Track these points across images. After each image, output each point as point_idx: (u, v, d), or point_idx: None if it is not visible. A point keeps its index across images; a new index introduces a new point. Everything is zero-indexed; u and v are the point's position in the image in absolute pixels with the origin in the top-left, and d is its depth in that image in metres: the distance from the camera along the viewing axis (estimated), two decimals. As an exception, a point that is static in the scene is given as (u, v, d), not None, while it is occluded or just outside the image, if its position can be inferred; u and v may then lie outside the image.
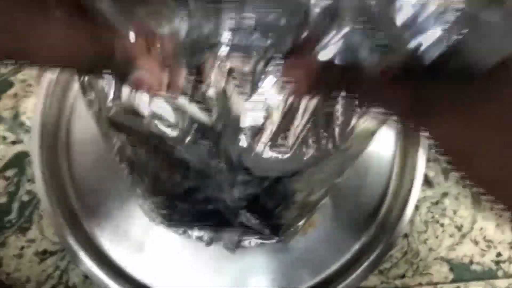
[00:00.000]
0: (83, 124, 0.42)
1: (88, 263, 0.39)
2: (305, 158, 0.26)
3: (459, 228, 0.43)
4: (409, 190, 0.40)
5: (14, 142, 0.44)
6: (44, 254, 0.41)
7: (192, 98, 0.25)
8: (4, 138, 0.44)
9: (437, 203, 0.44)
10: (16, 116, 0.44)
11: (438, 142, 0.15)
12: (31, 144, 0.40)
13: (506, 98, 0.12)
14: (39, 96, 0.41)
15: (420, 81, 0.14)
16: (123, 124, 0.28)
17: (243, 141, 0.26)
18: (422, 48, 0.14)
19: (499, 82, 0.13)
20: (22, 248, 0.41)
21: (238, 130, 0.26)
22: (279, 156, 0.26)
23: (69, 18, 0.17)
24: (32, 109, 0.43)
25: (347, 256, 0.41)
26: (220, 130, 0.26)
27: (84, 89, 0.28)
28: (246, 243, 0.38)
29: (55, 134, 0.42)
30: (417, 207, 0.43)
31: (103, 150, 0.38)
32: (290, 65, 0.18)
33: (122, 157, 0.31)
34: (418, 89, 0.14)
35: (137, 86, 0.22)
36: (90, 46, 0.18)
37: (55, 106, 0.42)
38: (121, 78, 0.22)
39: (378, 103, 0.16)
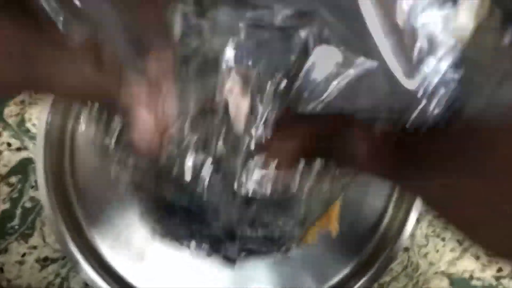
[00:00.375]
0: (88, 132, 0.43)
1: (89, 271, 0.39)
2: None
3: (460, 242, 0.43)
4: (411, 204, 0.40)
5: (19, 149, 0.44)
6: (45, 261, 0.42)
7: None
8: (9, 144, 0.44)
9: (438, 217, 0.44)
10: (21, 122, 0.45)
11: (417, 194, 0.17)
12: (36, 151, 0.41)
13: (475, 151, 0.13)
14: (45, 103, 0.41)
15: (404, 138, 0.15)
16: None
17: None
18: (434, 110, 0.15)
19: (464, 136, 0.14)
20: (24, 254, 0.42)
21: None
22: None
23: (92, 58, 0.18)
24: (37, 116, 0.43)
25: (348, 268, 0.41)
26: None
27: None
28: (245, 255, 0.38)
29: (59, 142, 0.42)
30: (418, 221, 0.43)
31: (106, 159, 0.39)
32: (272, 147, 0.19)
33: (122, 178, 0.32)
34: (401, 146, 0.15)
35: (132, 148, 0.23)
36: (101, 86, 0.19)
37: (61, 113, 0.42)
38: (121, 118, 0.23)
39: (361, 167, 0.18)
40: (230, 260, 0.36)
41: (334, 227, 0.40)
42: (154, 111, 0.21)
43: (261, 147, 0.25)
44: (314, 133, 0.18)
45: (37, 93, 0.19)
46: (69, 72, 0.18)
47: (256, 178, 0.26)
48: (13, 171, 0.43)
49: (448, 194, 0.14)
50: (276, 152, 0.20)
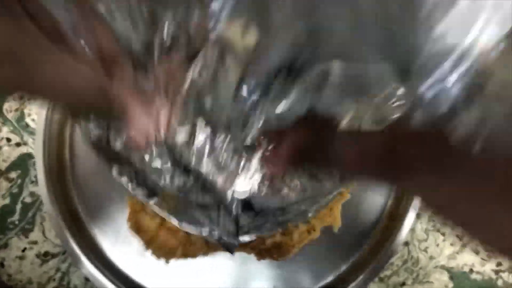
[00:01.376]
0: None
1: (89, 266, 0.39)
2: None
3: (460, 237, 0.44)
4: (411, 198, 0.40)
5: (18, 144, 0.44)
6: (46, 256, 0.42)
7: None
8: (8, 139, 0.44)
9: (434, 215, 0.44)
10: (21, 118, 0.45)
11: (414, 194, 0.17)
12: (35, 146, 0.41)
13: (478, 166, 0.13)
14: (44, 98, 0.41)
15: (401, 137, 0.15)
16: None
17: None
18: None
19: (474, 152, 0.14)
20: (24, 249, 0.42)
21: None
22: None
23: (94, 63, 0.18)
24: (37, 111, 0.43)
25: (348, 263, 0.41)
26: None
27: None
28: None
29: (59, 137, 0.42)
30: (418, 215, 0.43)
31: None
32: (267, 155, 0.20)
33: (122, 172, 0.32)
34: (395, 145, 0.15)
35: (128, 144, 0.24)
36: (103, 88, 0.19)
37: (60, 108, 0.42)
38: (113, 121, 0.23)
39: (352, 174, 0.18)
40: (230, 246, 0.35)
41: (337, 222, 0.40)
42: (150, 112, 0.21)
43: (253, 148, 0.25)
44: (302, 138, 0.18)
45: (32, 93, 0.18)
46: (70, 73, 0.17)
47: (250, 180, 0.27)
48: (12, 166, 0.43)
49: (441, 194, 0.14)
50: (267, 158, 0.20)
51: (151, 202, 0.32)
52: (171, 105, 0.25)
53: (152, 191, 0.32)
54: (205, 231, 0.32)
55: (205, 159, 0.28)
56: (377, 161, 0.16)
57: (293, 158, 0.18)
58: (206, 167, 0.28)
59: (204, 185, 0.29)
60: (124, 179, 0.31)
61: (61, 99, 0.19)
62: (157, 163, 0.29)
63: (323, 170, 0.18)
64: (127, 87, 0.21)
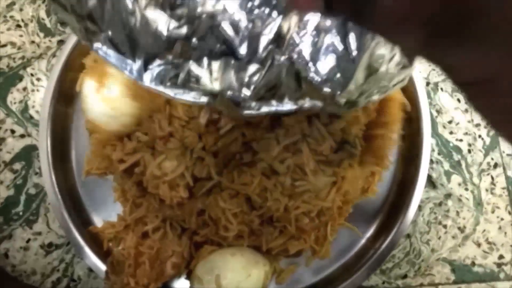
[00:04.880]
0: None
1: (93, 257, 0.39)
2: None
3: (462, 229, 0.44)
4: (412, 191, 0.40)
5: (22, 136, 0.44)
6: (50, 247, 0.42)
7: None
8: (13, 131, 0.44)
9: (440, 204, 0.44)
10: (25, 109, 0.45)
11: (453, 74, 0.14)
12: (39, 138, 0.41)
13: None
14: (48, 90, 0.41)
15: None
16: None
17: None
18: None
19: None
20: (29, 240, 0.42)
21: None
22: None
23: None
24: (40, 103, 0.44)
25: (350, 255, 0.41)
26: None
27: None
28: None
29: (63, 129, 0.42)
30: (420, 208, 0.43)
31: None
32: None
33: None
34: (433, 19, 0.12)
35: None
36: None
37: (64, 100, 0.42)
38: None
39: (389, 33, 0.14)
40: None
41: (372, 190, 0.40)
42: None
43: None
44: None
45: None
46: None
47: None
48: (17, 157, 0.44)
49: (489, 71, 0.12)
50: None
51: None
52: None
53: None
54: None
55: None
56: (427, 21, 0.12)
57: None
58: None
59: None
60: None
61: None
62: None
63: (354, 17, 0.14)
64: None
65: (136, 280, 0.36)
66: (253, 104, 0.27)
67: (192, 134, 0.35)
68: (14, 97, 0.45)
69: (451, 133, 0.46)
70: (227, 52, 0.26)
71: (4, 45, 0.46)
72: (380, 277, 0.42)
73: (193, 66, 0.26)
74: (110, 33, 0.26)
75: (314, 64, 0.26)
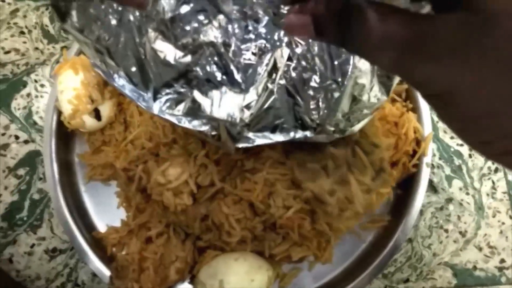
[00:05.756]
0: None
1: (97, 262, 0.39)
2: None
3: (463, 234, 0.44)
4: (414, 195, 0.40)
5: (26, 141, 0.45)
6: (54, 252, 0.42)
7: None
8: (17, 137, 0.45)
9: (441, 208, 0.44)
10: (28, 115, 0.45)
11: (420, 88, 0.16)
12: (43, 144, 0.41)
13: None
14: (52, 96, 0.42)
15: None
16: None
17: None
18: None
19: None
20: (33, 245, 0.42)
21: None
22: None
23: None
24: (44, 109, 0.44)
25: (352, 259, 0.42)
26: None
27: None
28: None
29: (66, 134, 0.42)
30: (421, 212, 0.44)
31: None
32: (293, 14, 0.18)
33: None
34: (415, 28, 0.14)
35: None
36: None
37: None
38: None
39: (368, 53, 0.16)
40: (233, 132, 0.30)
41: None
42: None
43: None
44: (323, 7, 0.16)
45: None
46: None
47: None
48: (21, 163, 0.44)
49: (459, 82, 0.14)
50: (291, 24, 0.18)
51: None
52: None
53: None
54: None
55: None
56: (401, 46, 0.14)
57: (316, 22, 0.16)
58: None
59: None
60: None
61: None
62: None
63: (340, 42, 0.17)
64: None
65: (140, 285, 0.36)
66: (250, 134, 0.29)
67: (196, 141, 0.36)
68: (18, 103, 0.45)
69: (452, 138, 0.46)
70: (226, 81, 0.28)
71: (8, 52, 0.47)
72: (382, 282, 0.43)
73: (196, 94, 0.28)
74: (123, 66, 0.28)
75: (305, 93, 0.29)
